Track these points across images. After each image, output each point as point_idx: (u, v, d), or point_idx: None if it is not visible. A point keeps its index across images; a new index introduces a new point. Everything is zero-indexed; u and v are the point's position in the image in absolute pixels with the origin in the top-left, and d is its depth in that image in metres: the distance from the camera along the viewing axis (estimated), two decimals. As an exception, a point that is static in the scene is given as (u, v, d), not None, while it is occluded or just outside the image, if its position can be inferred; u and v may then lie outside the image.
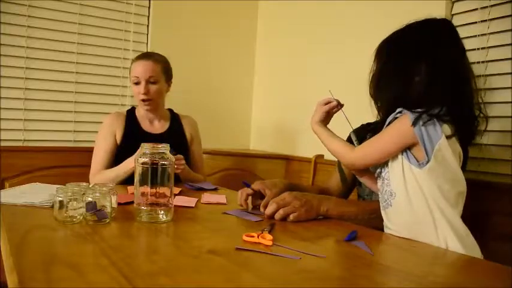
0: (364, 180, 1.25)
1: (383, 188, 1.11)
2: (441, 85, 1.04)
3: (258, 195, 1.31)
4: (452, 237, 1.00)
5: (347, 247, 0.92)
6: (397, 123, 1.04)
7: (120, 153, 1.80)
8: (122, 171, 1.69)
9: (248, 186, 1.32)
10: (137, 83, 1.80)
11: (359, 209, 1.23)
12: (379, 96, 1.13)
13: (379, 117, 1.17)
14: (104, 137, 1.83)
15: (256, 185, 1.31)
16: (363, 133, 1.47)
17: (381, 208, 1.13)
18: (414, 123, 1.00)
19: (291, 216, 1.14)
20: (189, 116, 2.03)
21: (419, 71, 1.06)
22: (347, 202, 1.29)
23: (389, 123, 1.07)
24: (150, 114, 1.88)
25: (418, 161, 1.02)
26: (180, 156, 1.67)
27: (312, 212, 1.17)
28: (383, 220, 1.13)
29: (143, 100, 1.80)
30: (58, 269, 0.69)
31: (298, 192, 1.21)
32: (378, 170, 1.13)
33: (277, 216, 1.14)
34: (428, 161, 1.00)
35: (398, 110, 1.05)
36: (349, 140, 1.32)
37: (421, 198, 1.02)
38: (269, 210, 1.16)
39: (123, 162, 1.71)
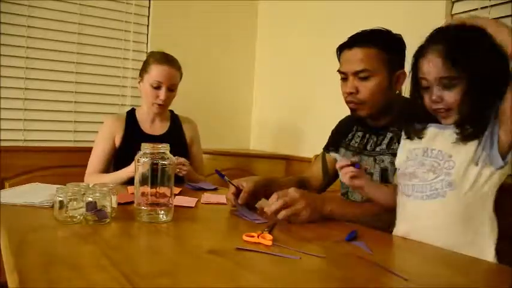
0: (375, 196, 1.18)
1: (437, 176, 1.01)
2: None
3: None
4: (491, 245, 1.01)
5: (347, 247, 0.92)
6: None
7: (120, 156, 1.80)
8: (119, 178, 1.68)
9: (221, 175, 1.31)
10: (157, 87, 1.80)
11: (362, 211, 1.21)
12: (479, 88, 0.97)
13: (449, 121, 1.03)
14: (103, 139, 1.83)
15: (234, 182, 1.30)
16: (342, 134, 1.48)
17: (416, 197, 1.04)
18: None
19: (292, 218, 1.11)
20: (189, 119, 2.02)
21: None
22: (350, 203, 1.28)
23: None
24: (153, 115, 1.89)
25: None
26: (181, 160, 1.68)
27: (315, 213, 1.14)
28: (383, 221, 1.11)
29: (159, 104, 1.81)
30: (58, 269, 0.69)
31: (304, 191, 1.17)
32: (425, 158, 1.05)
33: (280, 216, 1.12)
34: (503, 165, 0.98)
35: None
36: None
37: (480, 197, 1.01)
38: (274, 207, 1.11)
39: (123, 170, 1.70)
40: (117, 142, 1.83)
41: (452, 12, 1.69)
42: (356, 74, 1.29)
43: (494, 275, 0.84)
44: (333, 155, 1.26)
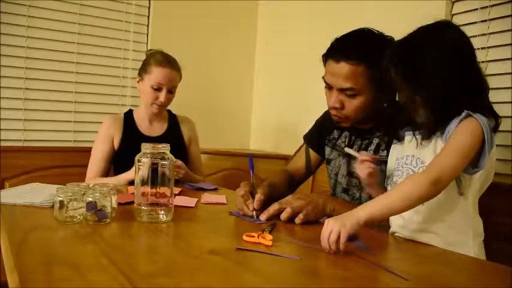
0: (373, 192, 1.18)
1: None
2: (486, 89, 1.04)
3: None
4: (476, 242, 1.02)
5: (347, 247, 0.92)
6: (472, 129, 0.95)
7: (118, 158, 1.80)
8: (123, 182, 1.65)
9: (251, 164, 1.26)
10: (158, 89, 1.79)
11: None
12: (435, 96, 0.98)
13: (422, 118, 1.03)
14: (102, 143, 1.81)
15: (246, 186, 1.25)
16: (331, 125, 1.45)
17: None
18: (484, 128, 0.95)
19: (300, 215, 1.11)
20: (186, 117, 2.01)
21: (471, 74, 1.01)
22: (352, 204, 1.26)
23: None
24: (150, 115, 1.88)
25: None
26: (179, 163, 1.66)
27: (318, 211, 1.15)
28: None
29: (158, 105, 1.80)
30: (58, 269, 0.69)
31: (302, 194, 1.20)
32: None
33: (284, 215, 1.12)
34: (479, 168, 0.97)
35: (465, 113, 0.96)
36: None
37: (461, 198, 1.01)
38: (286, 215, 1.12)
39: (124, 174, 1.68)
40: (116, 144, 1.82)
41: (452, 12, 1.69)
42: (342, 90, 1.23)
43: (494, 275, 0.84)
44: (348, 150, 1.25)
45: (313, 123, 1.60)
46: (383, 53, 1.16)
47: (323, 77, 1.30)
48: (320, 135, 1.51)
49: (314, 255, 0.87)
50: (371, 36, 1.24)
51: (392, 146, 1.17)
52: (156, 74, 1.79)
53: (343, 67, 1.20)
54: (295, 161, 1.57)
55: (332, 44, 1.27)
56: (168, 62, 1.84)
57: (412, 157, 1.06)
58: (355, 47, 1.21)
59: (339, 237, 0.85)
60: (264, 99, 2.87)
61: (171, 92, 1.82)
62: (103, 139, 1.82)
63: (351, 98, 1.23)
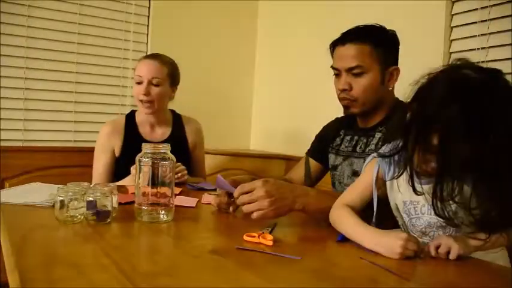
0: None
1: (446, 232, 0.94)
2: None
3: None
4: None
5: (347, 247, 0.92)
6: None
7: (120, 164, 1.76)
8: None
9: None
10: (139, 83, 1.73)
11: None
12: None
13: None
14: (102, 152, 1.78)
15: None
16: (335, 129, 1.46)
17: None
18: None
19: (254, 214, 1.04)
20: (192, 120, 1.94)
21: None
22: (330, 196, 1.11)
23: None
24: (150, 118, 1.80)
25: None
26: (179, 169, 1.62)
27: (282, 210, 1.06)
28: (362, 217, 0.98)
29: (143, 101, 1.73)
30: (59, 269, 0.69)
31: (273, 184, 1.07)
32: None
33: (244, 210, 1.05)
34: None
35: None
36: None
37: None
38: (240, 202, 1.06)
39: (123, 180, 1.66)
40: (117, 152, 1.78)
41: (453, 12, 1.69)
42: (349, 70, 1.28)
43: (494, 275, 0.84)
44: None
45: (313, 123, 1.60)
46: (388, 35, 1.28)
47: (331, 66, 1.35)
48: (321, 144, 1.51)
49: (314, 255, 0.87)
50: (375, 25, 1.31)
51: (388, 182, 1.00)
52: (137, 68, 1.77)
53: (350, 48, 1.27)
54: (295, 171, 1.56)
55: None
56: (150, 55, 1.81)
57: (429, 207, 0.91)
58: (361, 30, 1.30)
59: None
60: (264, 99, 2.87)
61: (154, 85, 1.73)
62: (103, 150, 1.78)
63: (358, 77, 1.27)
